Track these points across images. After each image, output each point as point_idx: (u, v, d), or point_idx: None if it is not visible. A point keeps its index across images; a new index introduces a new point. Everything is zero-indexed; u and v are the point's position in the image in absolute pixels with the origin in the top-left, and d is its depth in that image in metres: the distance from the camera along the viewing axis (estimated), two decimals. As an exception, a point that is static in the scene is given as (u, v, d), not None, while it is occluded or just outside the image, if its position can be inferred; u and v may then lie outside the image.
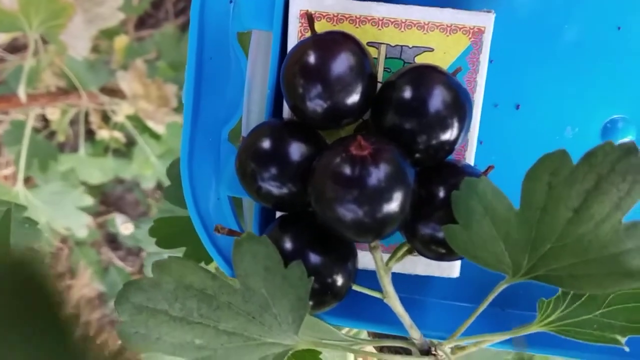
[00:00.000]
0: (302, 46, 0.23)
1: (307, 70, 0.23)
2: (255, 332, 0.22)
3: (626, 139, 0.28)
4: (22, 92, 0.66)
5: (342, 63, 0.22)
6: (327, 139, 0.25)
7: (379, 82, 0.26)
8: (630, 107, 0.28)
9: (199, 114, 0.28)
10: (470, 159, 0.27)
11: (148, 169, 0.84)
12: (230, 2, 0.27)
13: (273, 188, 0.23)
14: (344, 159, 0.21)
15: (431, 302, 0.29)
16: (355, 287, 0.25)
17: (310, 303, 0.23)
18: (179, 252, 0.35)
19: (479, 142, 0.28)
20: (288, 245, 0.24)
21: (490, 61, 0.27)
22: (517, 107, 0.28)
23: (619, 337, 0.22)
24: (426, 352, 0.24)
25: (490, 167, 0.24)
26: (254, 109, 0.28)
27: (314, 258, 0.23)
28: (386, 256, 0.25)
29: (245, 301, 0.22)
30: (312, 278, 0.22)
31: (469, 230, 0.20)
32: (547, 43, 0.28)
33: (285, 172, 0.23)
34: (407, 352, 0.26)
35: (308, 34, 0.25)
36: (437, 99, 0.22)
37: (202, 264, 0.35)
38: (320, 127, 0.24)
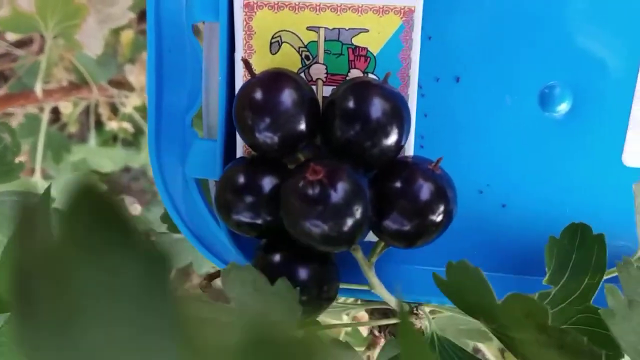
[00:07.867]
0: (246, 89, 0.26)
1: (255, 110, 0.25)
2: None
3: (563, 105, 0.29)
4: (38, 88, 0.69)
5: (283, 97, 0.25)
6: (290, 166, 0.27)
7: (320, 63, 0.28)
8: (565, 73, 0.29)
9: (162, 104, 0.30)
10: (409, 148, 0.29)
11: (157, 156, 0.87)
12: (183, -5, 0.29)
13: (249, 219, 0.26)
14: (304, 185, 0.24)
15: (406, 268, 0.31)
16: (343, 285, 0.28)
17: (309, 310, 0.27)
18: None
19: (424, 115, 0.30)
20: (273, 266, 0.27)
21: (429, 37, 0.29)
22: (457, 79, 0.30)
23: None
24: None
25: (439, 159, 0.26)
26: (212, 95, 0.30)
27: (301, 273, 0.27)
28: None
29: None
30: (299, 288, 0.25)
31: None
32: (482, 16, 0.29)
33: (257, 203, 0.26)
34: (395, 313, 0.29)
35: (252, 23, 0.28)
36: (376, 108, 0.25)
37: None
38: (279, 156, 0.27)
